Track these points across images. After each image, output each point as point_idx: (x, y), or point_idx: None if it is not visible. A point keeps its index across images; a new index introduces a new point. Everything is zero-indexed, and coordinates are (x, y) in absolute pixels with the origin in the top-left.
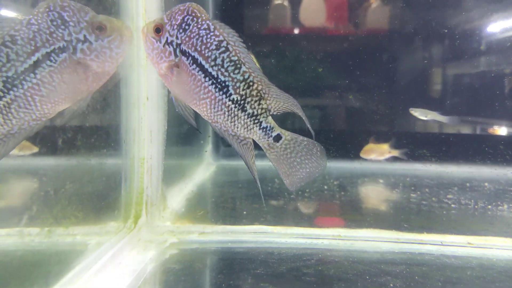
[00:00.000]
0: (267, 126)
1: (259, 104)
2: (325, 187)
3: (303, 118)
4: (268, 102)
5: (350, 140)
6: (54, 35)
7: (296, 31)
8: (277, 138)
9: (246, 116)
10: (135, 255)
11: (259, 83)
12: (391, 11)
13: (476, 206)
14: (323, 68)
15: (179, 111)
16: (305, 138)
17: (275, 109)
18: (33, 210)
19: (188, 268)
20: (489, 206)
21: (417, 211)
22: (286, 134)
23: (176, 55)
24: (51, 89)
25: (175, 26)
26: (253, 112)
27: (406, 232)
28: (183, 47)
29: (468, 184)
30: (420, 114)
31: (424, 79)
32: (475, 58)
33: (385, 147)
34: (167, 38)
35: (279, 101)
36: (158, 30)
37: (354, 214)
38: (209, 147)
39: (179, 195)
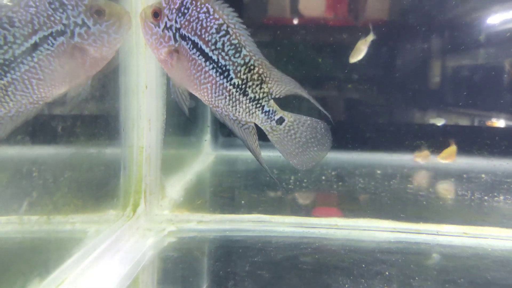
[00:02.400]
0: (269, 110)
1: (260, 88)
2: (323, 177)
3: (309, 98)
4: (269, 85)
5: (349, 131)
6: (52, 18)
7: (296, 21)
8: (280, 120)
9: (247, 100)
10: (134, 243)
11: (260, 66)
12: (391, 2)
13: (472, 197)
14: (322, 59)
15: (175, 97)
16: (308, 118)
17: (277, 93)
18: (33, 197)
19: (186, 255)
20: (486, 197)
21: (414, 202)
22: (289, 116)
23: (175, 40)
24: (48, 73)
25: (174, 10)
26: (255, 96)
27: (402, 222)
28: (183, 31)
29: (465, 176)
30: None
31: (424, 70)
32: (476, 50)
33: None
34: (166, 22)
35: (281, 84)
36: (157, 14)
37: (351, 204)
38: (208, 137)
39: (177, 184)
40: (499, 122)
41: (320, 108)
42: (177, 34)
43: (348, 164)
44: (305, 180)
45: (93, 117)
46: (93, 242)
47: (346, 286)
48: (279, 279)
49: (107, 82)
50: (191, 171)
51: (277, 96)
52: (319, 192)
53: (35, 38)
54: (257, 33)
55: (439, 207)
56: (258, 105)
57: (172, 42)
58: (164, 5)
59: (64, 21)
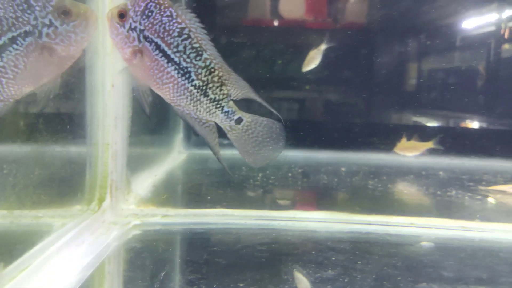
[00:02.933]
0: (229, 110)
1: (220, 90)
2: (290, 174)
3: (261, 102)
4: (228, 88)
5: (321, 130)
6: (20, 20)
7: (275, 23)
8: (239, 120)
9: (208, 101)
10: (98, 235)
11: (220, 69)
12: (369, 5)
13: (426, 192)
14: (282, 61)
15: (137, 95)
16: (265, 118)
17: (235, 95)
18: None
19: (149, 246)
20: (438, 192)
21: (372, 196)
22: (247, 116)
23: (139, 41)
24: (17, 72)
25: (139, 13)
26: (215, 97)
27: (356, 214)
28: (146, 33)
29: (424, 172)
30: None
31: (401, 72)
32: (450, 53)
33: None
34: (130, 24)
35: (238, 87)
36: (122, 15)
37: (312, 198)
38: (179, 136)
39: (146, 181)
40: (473, 124)
41: (272, 109)
42: (141, 36)
43: (316, 163)
44: (272, 177)
45: (58, 115)
46: (57, 234)
47: (294, 269)
48: (234, 265)
49: (73, 81)
50: (161, 168)
51: (234, 99)
52: (283, 188)
53: (4, 39)
54: (236, 34)
55: (394, 200)
56: (218, 106)
57: (136, 42)
58: (129, 7)
59: (32, 22)
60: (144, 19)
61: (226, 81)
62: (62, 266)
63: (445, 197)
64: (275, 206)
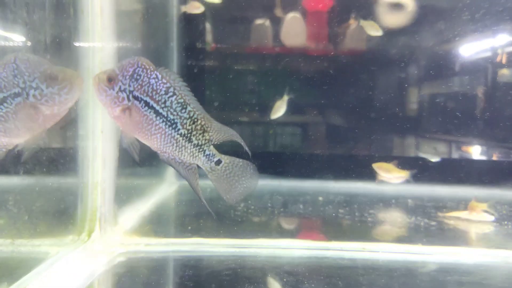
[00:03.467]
0: (210, 153)
1: (203, 136)
2: (269, 204)
3: (240, 142)
4: (210, 134)
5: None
6: (11, 83)
7: (277, 50)
8: (218, 162)
9: (192, 146)
10: (88, 262)
11: (203, 119)
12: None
13: (388, 219)
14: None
15: (126, 147)
16: (241, 160)
17: (216, 139)
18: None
19: (131, 271)
20: (399, 219)
21: (337, 224)
22: (225, 158)
23: (129, 100)
24: (7, 126)
25: (127, 77)
26: (198, 143)
27: (317, 241)
28: (136, 93)
29: (393, 201)
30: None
31: (401, 99)
32: (450, 78)
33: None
34: (120, 86)
35: (220, 132)
36: (110, 79)
37: (283, 227)
38: (171, 168)
39: (133, 213)
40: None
41: (246, 148)
42: (130, 95)
43: (297, 192)
44: (252, 207)
45: (54, 155)
46: (52, 260)
47: None
48: (200, 287)
49: (67, 127)
50: (151, 200)
51: (215, 143)
52: (259, 217)
53: None
54: (239, 61)
55: (355, 227)
56: (201, 150)
57: (126, 102)
58: (117, 72)
59: (21, 85)
60: (133, 82)
61: (208, 128)
62: (56, 286)
63: (403, 224)
64: (247, 234)
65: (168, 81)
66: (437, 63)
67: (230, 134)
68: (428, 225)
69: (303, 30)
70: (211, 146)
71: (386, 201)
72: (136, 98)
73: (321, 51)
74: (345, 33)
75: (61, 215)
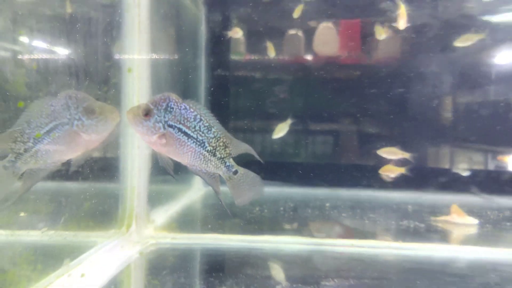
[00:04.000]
0: (230, 165)
1: (225, 151)
2: (282, 208)
3: (254, 155)
4: (230, 149)
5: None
6: (61, 114)
7: (310, 60)
8: (235, 172)
9: (216, 159)
10: (126, 249)
11: (224, 137)
12: (402, 41)
13: (384, 221)
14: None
15: (162, 164)
16: (252, 173)
17: (234, 153)
18: (61, 219)
19: (159, 257)
20: (393, 222)
21: (335, 225)
22: (241, 170)
23: (164, 128)
24: (59, 146)
25: (162, 110)
26: (221, 156)
27: (314, 238)
28: (170, 122)
29: (394, 206)
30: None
31: (434, 107)
32: (484, 86)
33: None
34: (156, 118)
35: (238, 147)
36: (147, 113)
37: (290, 226)
38: None
39: (163, 213)
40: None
41: (259, 159)
42: (166, 125)
43: (309, 198)
44: (265, 210)
45: (102, 166)
46: (99, 246)
47: (244, 276)
48: (215, 269)
49: (110, 145)
50: (180, 203)
51: (234, 155)
52: (271, 219)
53: (50, 125)
54: (272, 71)
55: (351, 228)
56: (223, 162)
57: (162, 130)
58: (152, 106)
59: (68, 117)
60: (167, 114)
61: (228, 144)
62: (103, 266)
63: (396, 225)
64: (256, 232)
65: (195, 110)
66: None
67: (245, 148)
68: (418, 227)
69: (336, 40)
70: (231, 159)
71: (388, 207)
72: (170, 126)
73: (353, 59)
74: (378, 42)
75: (106, 213)
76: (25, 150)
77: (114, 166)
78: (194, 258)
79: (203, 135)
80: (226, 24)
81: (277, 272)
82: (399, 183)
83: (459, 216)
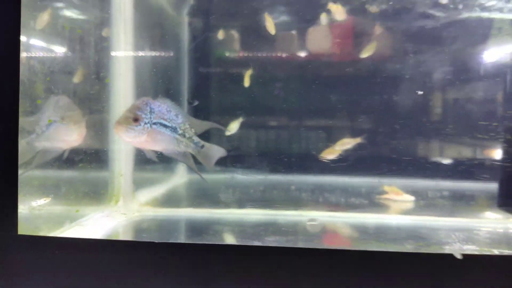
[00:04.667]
0: (197, 141)
1: (191, 131)
2: (251, 190)
3: (220, 127)
4: (194, 129)
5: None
6: (55, 113)
7: (303, 56)
8: (202, 146)
9: (186, 139)
10: (115, 218)
11: (188, 121)
12: (395, 38)
13: (335, 200)
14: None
15: (149, 157)
16: (215, 145)
17: (199, 131)
18: (61, 197)
19: (142, 224)
20: (343, 200)
21: (295, 202)
22: (207, 144)
23: (151, 126)
24: (56, 135)
25: (147, 113)
26: (189, 136)
27: (270, 210)
28: (154, 120)
29: (350, 189)
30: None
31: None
32: (475, 84)
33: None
34: (144, 122)
35: (201, 126)
36: (136, 119)
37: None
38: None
39: (147, 193)
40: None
41: (222, 128)
42: (151, 123)
43: (279, 183)
44: (237, 192)
45: (94, 154)
46: (93, 215)
47: (206, 234)
48: (182, 230)
49: (103, 139)
50: (162, 186)
51: (199, 133)
52: (239, 198)
53: (52, 118)
54: (268, 68)
55: (307, 204)
56: (191, 140)
57: (149, 129)
58: (140, 113)
59: (58, 116)
60: (152, 114)
61: (193, 125)
62: (96, 228)
63: (344, 202)
64: (225, 206)
65: (165, 104)
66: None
67: (208, 124)
68: (362, 202)
69: (328, 37)
70: (197, 137)
71: (345, 189)
72: (154, 123)
73: (345, 57)
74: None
75: (98, 192)
76: (42, 132)
77: (104, 155)
78: (171, 224)
79: (174, 123)
80: (207, 29)
81: (233, 233)
82: (361, 170)
83: (396, 194)
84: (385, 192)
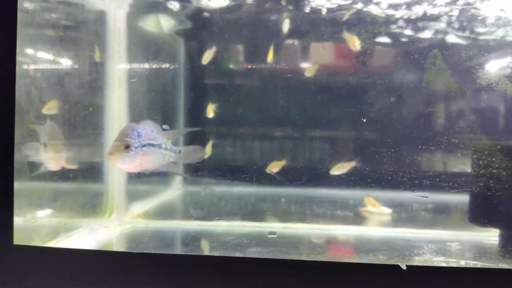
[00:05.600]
0: (175, 149)
1: (170, 143)
2: (243, 202)
3: (192, 129)
4: (171, 138)
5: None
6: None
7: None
8: (179, 151)
9: (167, 151)
10: (109, 230)
11: (167, 135)
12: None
13: (327, 211)
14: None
15: (147, 173)
16: (192, 146)
17: (174, 140)
18: (57, 208)
19: (134, 235)
20: (329, 213)
21: (283, 213)
22: (183, 148)
23: (141, 149)
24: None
25: (136, 138)
26: (170, 148)
27: (257, 222)
28: (143, 143)
29: (339, 201)
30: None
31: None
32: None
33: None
34: (135, 146)
35: (176, 134)
36: (128, 146)
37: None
38: (179, 177)
39: (140, 206)
40: None
41: (195, 129)
42: (141, 147)
43: (270, 195)
44: (229, 204)
45: (89, 170)
46: (88, 227)
47: (193, 245)
48: (172, 241)
49: (97, 154)
50: (156, 199)
51: (174, 142)
52: (230, 210)
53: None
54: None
55: (293, 217)
56: (171, 150)
57: (140, 152)
58: (128, 139)
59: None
60: (139, 138)
61: (169, 137)
62: (90, 240)
63: (330, 214)
64: (215, 218)
65: (148, 125)
66: None
67: (181, 132)
68: (347, 215)
69: (331, 51)
70: (173, 146)
71: (333, 202)
72: (144, 146)
73: (347, 69)
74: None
75: (93, 204)
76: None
77: (99, 169)
78: (161, 237)
79: (159, 140)
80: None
81: (218, 244)
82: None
83: (373, 206)
84: (364, 205)
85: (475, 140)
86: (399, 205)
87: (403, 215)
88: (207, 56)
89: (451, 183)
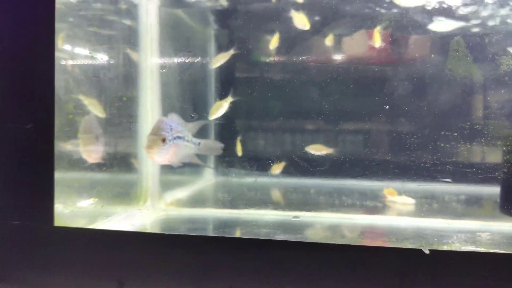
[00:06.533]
0: (196, 141)
1: (191, 135)
2: (272, 192)
3: (207, 122)
4: (191, 131)
5: None
6: None
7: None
8: (199, 143)
9: (189, 143)
10: (144, 216)
11: (187, 127)
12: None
13: (349, 201)
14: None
15: (177, 167)
16: (211, 140)
17: (194, 131)
18: (94, 195)
19: (167, 222)
20: (357, 202)
21: (307, 204)
22: (202, 141)
23: (173, 141)
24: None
25: (169, 131)
26: (191, 140)
27: (283, 211)
28: (174, 135)
29: (368, 192)
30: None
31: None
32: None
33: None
34: (169, 139)
35: (195, 126)
36: (164, 140)
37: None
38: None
39: (173, 194)
40: None
41: (207, 121)
42: (173, 139)
43: (299, 186)
44: (258, 194)
45: (126, 161)
46: (126, 212)
47: (222, 231)
48: (200, 228)
49: (132, 145)
50: (188, 189)
51: (194, 133)
52: (261, 199)
53: None
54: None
55: (322, 205)
56: (192, 142)
57: (173, 144)
58: (163, 133)
59: None
60: (172, 131)
61: (190, 130)
62: (129, 223)
63: (359, 204)
64: (241, 207)
65: (174, 119)
66: None
67: (198, 123)
68: (376, 205)
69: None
70: (193, 137)
71: (363, 193)
72: (175, 138)
73: (381, 60)
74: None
75: (129, 192)
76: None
77: (134, 159)
78: (192, 223)
79: (184, 132)
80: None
81: (247, 230)
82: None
83: (399, 196)
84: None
85: (509, 129)
86: (430, 196)
87: (434, 206)
88: (236, 49)
89: (481, 173)
